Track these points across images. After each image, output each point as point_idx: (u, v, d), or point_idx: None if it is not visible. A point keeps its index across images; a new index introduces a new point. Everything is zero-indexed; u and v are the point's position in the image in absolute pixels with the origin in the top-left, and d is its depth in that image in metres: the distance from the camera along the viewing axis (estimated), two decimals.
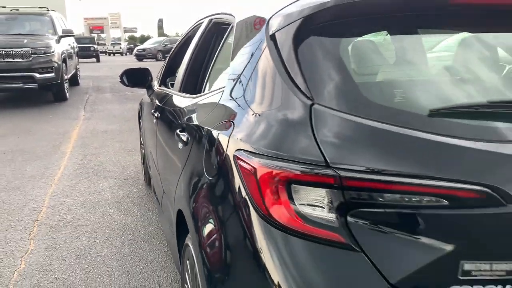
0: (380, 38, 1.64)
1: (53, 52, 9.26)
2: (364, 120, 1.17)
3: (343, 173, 1.10)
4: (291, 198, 1.14)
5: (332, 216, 1.11)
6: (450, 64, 1.72)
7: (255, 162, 1.22)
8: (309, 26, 1.39)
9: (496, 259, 1.07)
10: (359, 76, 1.40)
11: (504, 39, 1.68)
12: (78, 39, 31.34)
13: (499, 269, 1.07)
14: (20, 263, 2.85)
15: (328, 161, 1.12)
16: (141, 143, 4.41)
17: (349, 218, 1.09)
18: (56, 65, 9.26)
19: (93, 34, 72.43)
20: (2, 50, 8.73)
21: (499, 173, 1.09)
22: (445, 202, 1.06)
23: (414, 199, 1.08)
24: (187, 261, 1.74)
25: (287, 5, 1.52)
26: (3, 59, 8.70)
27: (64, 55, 10.11)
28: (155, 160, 2.89)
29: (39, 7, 11.78)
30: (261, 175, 1.19)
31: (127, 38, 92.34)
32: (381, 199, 1.09)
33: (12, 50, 8.78)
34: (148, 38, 69.44)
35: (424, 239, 1.07)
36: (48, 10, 11.43)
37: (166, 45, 29.87)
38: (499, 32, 1.60)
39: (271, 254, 1.15)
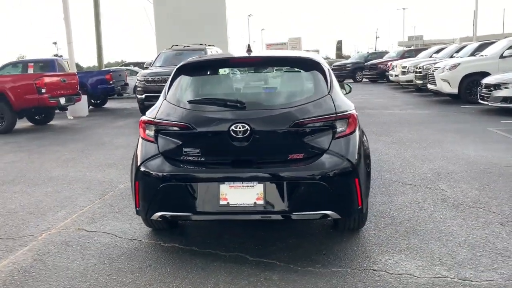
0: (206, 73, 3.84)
1: None
2: (174, 105, 3.45)
3: (157, 120, 3.38)
4: (145, 129, 3.46)
5: (152, 133, 3.40)
6: (225, 84, 3.84)
7: (142, 119, 3.56)
8: (179, 70, 3.70)
9: (193, 147, 3.24)
10: (183, 89, 3.63)
11: (252, 73, 3.75)
12: None
13: (193, 151, 3.24)
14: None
15: (156, 117, 3.42)
16: None
17: (158, 134, 3.37)
18: None
19: None
20: (166, 78, 12.39)
21: (194, 119, 3.26)
22: (178, 129, 3.28)
23: (174, 128, 3.31)
24: None
25: (185, 61, 3.84)
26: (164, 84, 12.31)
27: None
28: None
29: (200, 44, 15.53)
30: (141, 123, 3.53)
31: None
32: (167, 129, 3.35)
33: (168, 77, 12.34)
34: (325, 59, 72.82)
35: (178, 138, 3.30)
36: (206, 46, 15.01)
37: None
38: (251, 72, 3.71)
39: (140, 145, 3.50)
